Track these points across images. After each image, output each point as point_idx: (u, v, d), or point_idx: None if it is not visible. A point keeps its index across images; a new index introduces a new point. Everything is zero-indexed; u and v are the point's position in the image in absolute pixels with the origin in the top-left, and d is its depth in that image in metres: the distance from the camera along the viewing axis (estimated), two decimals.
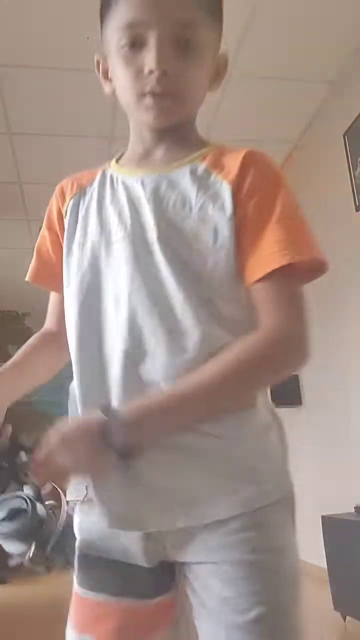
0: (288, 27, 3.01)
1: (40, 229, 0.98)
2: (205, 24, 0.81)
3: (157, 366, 0.74)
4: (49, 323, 0.99)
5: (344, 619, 2.74)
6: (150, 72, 0.78)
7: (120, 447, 0.68)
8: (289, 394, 4.13)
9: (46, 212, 0.97)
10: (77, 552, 0.80)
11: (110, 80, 0.87)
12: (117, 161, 0.92)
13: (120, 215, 0.83)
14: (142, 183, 0.83)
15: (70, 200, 0.91)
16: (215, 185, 0.80)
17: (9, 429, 0.84)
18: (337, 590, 2.76)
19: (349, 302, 3.34)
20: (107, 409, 0.70)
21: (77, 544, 0.80)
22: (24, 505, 0.73)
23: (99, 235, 0.84)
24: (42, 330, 0.99)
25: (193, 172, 0.82)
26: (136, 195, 0.83)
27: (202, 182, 0.80)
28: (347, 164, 3.32)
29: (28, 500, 0.74)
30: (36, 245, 0.97)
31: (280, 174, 0.82)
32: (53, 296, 0.99)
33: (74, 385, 0.81)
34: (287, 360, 0.77)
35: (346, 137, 3.34)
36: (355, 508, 2.79)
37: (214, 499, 0.72)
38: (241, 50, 3.13)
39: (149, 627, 0.77)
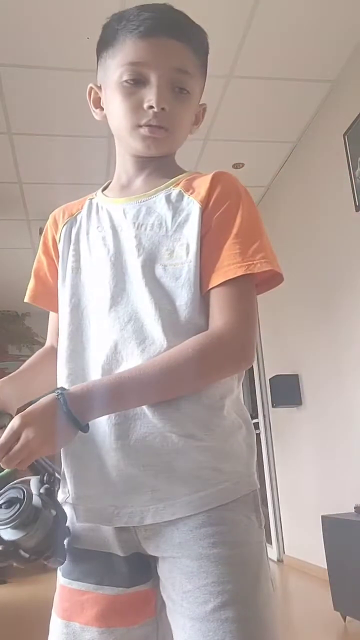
0: (288, 27, 3.01)
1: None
2: (196, 73, 0.92)
3: None
4: (50, 339, 1.07)
5: (344, 619, 2.75)
6: (150, 107, 0.87)
7: (74, 414, 0.75)
8: (289, 394, 4.14)
9: (41, 239, 1.06)
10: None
11: (101, 109, 0.97)
12: (103, 191, 1.02)
13: (104, 240, 0.93)
14: (124, 211, 0.93)
15: (62, 227, 1.01)
16: (188, 206, 0.89)
17: None
18: (337, 590, 2.77)
19: (349, 302, 3.34)
20: (59, 388, 0.79)
21: None
22: (20, 496, 0.77)
23: (88, 259, 0.94)
24: (45, 346, 1.08)
25: (168, 197, 0.91)
26: (118, 222, 0.93)
27: (176, 205, 0.90)
28: (347, 164, 3.33)
29: (24, 491, 0.78)
30: (33, 269, 1.06)
31: (242, 190, 0.90)
32: (52, 315, 1.06)
33: None
34: (227, 361, 0.83)
35: (346, 137, 3.35)
36: (355, 508, 2.79)
37: (177, 498, 0.78)
38: (241, 50, 3.14)
39: (130, 616, 0.82)
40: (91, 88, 0.97)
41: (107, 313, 0.87)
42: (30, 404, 0.79)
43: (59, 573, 0.87)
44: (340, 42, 3.15)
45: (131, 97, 0.88)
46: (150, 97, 0.87)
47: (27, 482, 0.81)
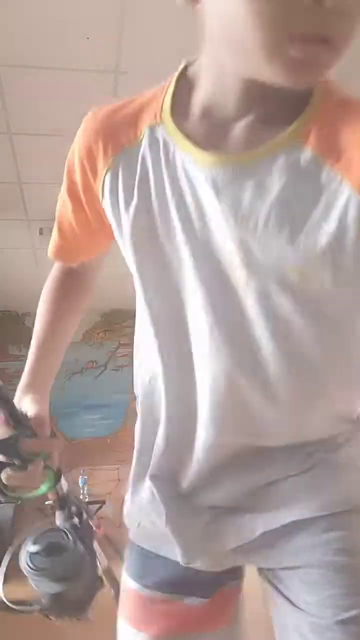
0: None
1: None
2: None
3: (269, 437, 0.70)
4: (69, 260, 0.84)
5: None
6: (318, 2, 0.48)
7: None
8: None
9: (66, 171, 0.74)
10: (132, 545, 0.76)
11: None
12: (172, 110, 0.62)
13: (186, 222, 0.59)
14: (214, 182, 0.56)
15: (106, 172, 0.66)
16: (330, 185, 0.54)
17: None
18: None
19: None
20: None
21: (131, 535, 0.76)
22: (64, 540, 0.66)
23: (169, 241, 0.62)
24: (62, 273, 0.86)
25: (293, 166, 0.55)
26: (206, 201, 0.57)
27: (310, 186, 0.54)
28: None
29: (69, 535, 0.67)
30: (57, 216, 0.80)
31: None
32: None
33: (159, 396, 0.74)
34: None
35: None
36: None
37: (293, 502, 0.69)
38: None
39: (207, 624, 0.75)
40: None
41: (207, 347, 0.63)
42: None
43: (126, 573, 0.77)
44: None
45: None
46: None
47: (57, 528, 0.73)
